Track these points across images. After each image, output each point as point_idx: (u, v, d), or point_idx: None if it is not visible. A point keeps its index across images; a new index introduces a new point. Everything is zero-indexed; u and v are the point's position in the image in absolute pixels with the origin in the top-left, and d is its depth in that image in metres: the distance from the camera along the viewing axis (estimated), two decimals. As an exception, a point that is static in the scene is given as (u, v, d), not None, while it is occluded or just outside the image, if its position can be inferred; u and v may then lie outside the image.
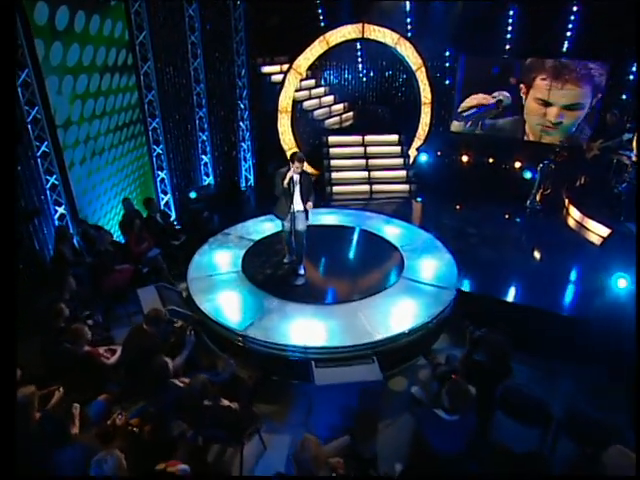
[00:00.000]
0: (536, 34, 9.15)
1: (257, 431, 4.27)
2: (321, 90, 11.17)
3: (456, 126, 10.90)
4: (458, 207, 8.86)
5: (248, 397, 4.20)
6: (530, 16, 9.07)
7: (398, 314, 5.38)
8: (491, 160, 9.38)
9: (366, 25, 9.11)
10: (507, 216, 8.47)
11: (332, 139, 9.80)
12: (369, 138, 9.93)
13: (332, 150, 9.68)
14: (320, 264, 6.67)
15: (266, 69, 10.21)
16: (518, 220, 8.44)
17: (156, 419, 3.82)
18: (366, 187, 9.34)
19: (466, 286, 6.16)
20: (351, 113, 11.22)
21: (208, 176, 9.48)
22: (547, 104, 9.85)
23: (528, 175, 8.95)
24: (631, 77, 8.96)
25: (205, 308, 5.44)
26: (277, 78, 9.75)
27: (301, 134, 9.87)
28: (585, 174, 8.84)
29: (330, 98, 11.18)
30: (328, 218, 7.87)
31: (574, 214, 8.22)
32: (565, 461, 3.76)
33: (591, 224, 7.76)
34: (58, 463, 3.17)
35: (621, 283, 5.30)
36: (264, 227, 7.42)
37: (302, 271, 6.12)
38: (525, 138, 10.28)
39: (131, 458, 3.20)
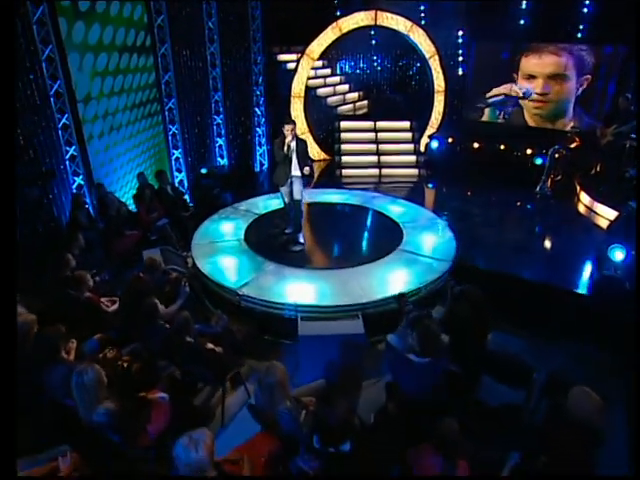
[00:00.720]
0: (549, 19, 9.10)
1: (242, 381, 4.45)
2: (336, 79, 11.37)
3: (488, 115, 10.80)
4: (469, 193, 8.85)
5: (234, 346, 4.39)
6: (543, 1, 9.03)
7: (391, 280, 5.47)
8: (502, 147, 9.33)
9: (379, 12, 9.28)
10: (518, 203, 8.42)
11: (344, 124, 9.98)
12: (381, 124, 10.06)
13: (343, 135, 9.85)
14: (320, 235, 6.86)
15: (282, 57, 10.48)
16: (525, 204, 8.38)
17: (145, 359, 4.05)
18: (375, 171, 9.47)
19: (465, 259, 6.17)
20: (365, 102, 11.36)
21: (223, 158, 9.81)
22: (532, 77, 9.92)
23: (539, 161, 8.87)
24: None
25: (204, 269, 5.68)
26: (292, 66, 10.01)
27: (314, 120, 10.09)
28: (599, 161, 8.68)
29: (345, 87, 11.36)
30: (334, 197, 8.03)
31: (584, 199, 8.10)
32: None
33: (600, 208, 7.64)
34: (48, 380, 3.43)
35: (618, 255, 5.24)
36: (271, 203, 7.64)
37: (301, 239, 6.30)
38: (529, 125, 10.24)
39: (116, 388, 3.44)
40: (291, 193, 6.13)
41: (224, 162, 9.83)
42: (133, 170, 8.06)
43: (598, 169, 8.88)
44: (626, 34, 8.42)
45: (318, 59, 10.03)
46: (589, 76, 9.38)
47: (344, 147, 9.75)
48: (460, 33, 10.25)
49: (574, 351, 4.93)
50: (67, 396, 3.36)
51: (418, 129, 10.13)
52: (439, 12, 10.02)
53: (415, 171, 9.49)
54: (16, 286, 3.40)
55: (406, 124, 10.13)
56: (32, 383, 3.51)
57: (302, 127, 9.66)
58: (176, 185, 8.60)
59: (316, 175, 9.64)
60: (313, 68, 10.43)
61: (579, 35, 9.34)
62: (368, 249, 6.32)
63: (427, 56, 9.87)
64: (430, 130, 10.41)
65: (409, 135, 10.02)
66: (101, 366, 3.88)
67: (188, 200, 8.36)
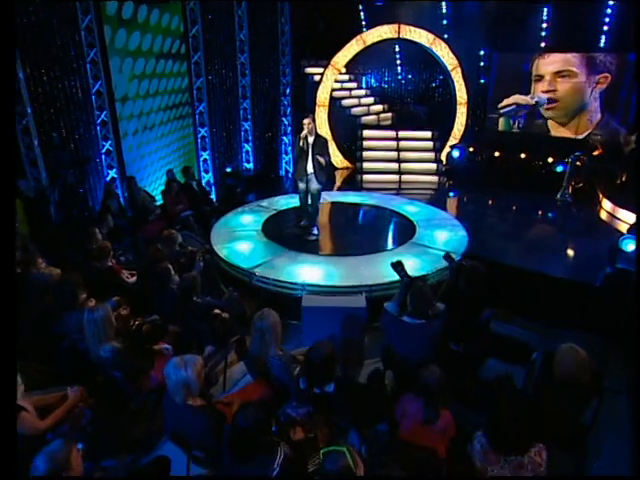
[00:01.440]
0: (570, 29, 9.21)
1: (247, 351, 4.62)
2: (362, 92, 11.75)
3: (502, 124, 10.89)
4: (488, 199, 8.87)
5: (241, 317, 4.59)
6: (564, 11, 9.17)
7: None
8: (523, 155, 9.35)
9: (402, 25, 9.65)
10: (538, 210, 8.38)
11: (367, 132, 10.28)
12: (403, 133, 10.30)
13: (366, 143, 10.13)
14: (335, 228, 7.10)
15: (310, 70, 10.97)
16: (545, 210, 8.34)
17: (156, 324, 4.29)
18: (395, 177, 9.66)
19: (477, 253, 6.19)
20: (390, 114, 11.65)
21: (249, 163, 10.25)
22: (540, 78, 9.93)
23: (559, 169, 8.83)
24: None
25: (221, 253, 5.97)
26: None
27: (339, 129, 10.44)
28: (624, 170, 8.58)
29: (370, 99, 11.71)
30: (352, 198, 8.25)
31: (606, 206, 8.00)
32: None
33: (622, 213, 7.52)
34: (67, 324, 3.72)
35: (629, 247, 5.19)
36: (292, 201, 7.91)
37: (316, 231, 6.51)
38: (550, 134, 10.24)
39: (127, 342, 3.70)
40: (307, 188, 6.36)
41: (250, 166, 10.26)
42: (163, 168, 8.57)
43: (624, 179, 8.77)
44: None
45: (343, 72, 10.44)
46: (607, 74, 9.25)
47: (366, 154, 10.03)
48: (481, 45, 10.46)
49: (582, 342, 4.86)
50: (82, 340, 3.65)
51: (440, 139, 10.29)
52: (461, 24, 10.30)
53: (435, 178, 9.63)
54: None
55: (428, 134, 10.34)
56: (53, 331, 3.82)
57: (326, 135, 9.99)
58: (202, 184, 9.05)
59: (338, 182, 9.93)
60: (339, 81, 10.87)
61: (602, 44, 9.36)
62: (380, 241, 6.47)
63: (450, 68, 10.13)
64: (452, 141, 10.55)
65: (430, 144, 10.20)
66: (115, 321, 4.18)
67: (212, 197, 8.77)
